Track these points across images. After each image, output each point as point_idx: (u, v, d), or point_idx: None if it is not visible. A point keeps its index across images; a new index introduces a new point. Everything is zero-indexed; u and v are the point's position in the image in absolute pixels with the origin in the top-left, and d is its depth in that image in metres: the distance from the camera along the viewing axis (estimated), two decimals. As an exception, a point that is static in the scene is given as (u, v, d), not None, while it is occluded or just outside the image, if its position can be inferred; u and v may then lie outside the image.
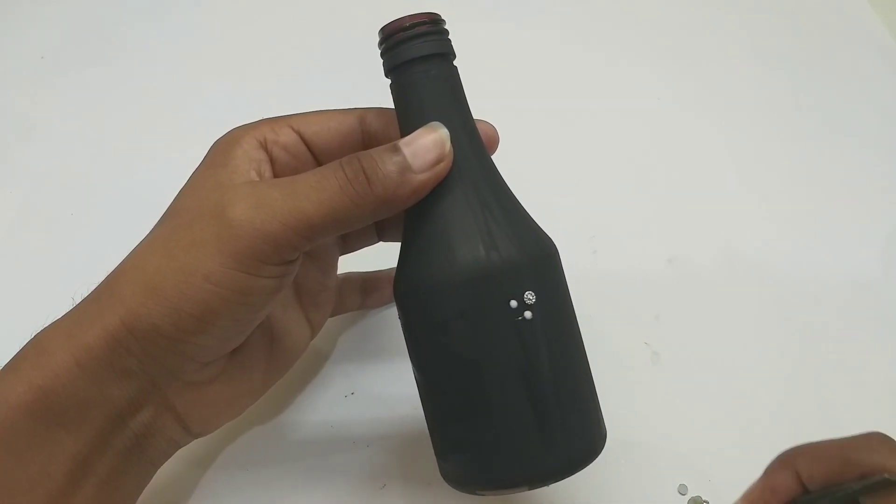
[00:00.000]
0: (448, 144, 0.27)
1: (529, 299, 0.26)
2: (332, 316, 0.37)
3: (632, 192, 0.47)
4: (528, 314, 0.26)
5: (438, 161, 0.26)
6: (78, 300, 0.27)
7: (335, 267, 0.36)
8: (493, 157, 0.31)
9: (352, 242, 0.36)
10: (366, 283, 0.39)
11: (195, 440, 0.31)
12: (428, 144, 0.26)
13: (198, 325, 0.26)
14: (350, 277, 0.39)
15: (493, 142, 0.31)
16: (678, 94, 0.53)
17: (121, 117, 0.51)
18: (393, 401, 0.38)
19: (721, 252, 0.45)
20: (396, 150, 0.26)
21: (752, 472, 0.25)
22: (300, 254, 0.27)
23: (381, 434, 0.37)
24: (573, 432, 0.27)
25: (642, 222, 0.46)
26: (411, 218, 0.28)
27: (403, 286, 0.28)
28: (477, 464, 0.27)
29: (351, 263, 0.37)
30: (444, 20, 0.28)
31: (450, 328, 0.26)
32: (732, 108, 0.52)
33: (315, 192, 0.26)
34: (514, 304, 0.26)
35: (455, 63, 0.29)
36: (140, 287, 0.26)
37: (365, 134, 0.30)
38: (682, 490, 0.36)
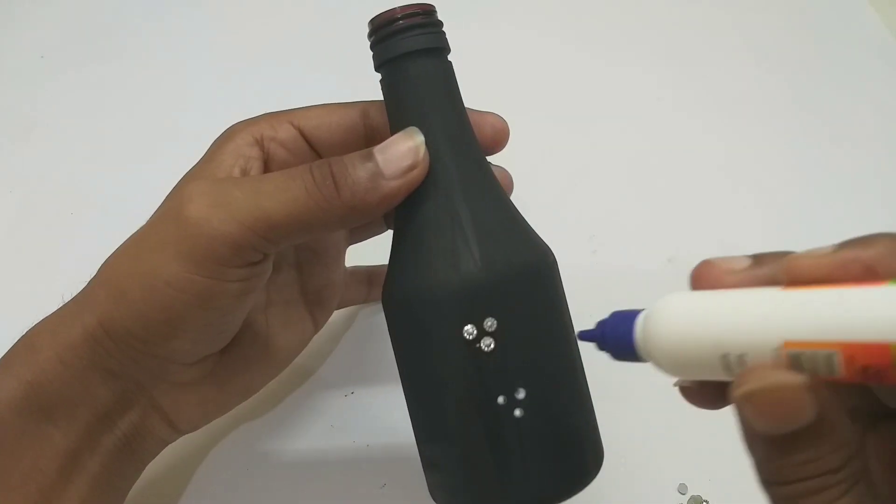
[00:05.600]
0: (423, 150, 0.25)
1: (489, 326, 0.24)
2: (337, 308, 0.37)
3: (632, 192, 0.47)
4: (486, 342, 0.24)
5: (412, 168, 0.25)
6: (68, 298, 0.27)
7: (341, 261, 0.35)
8: (497, 157, 0.30)
9: (359, 232, 0.35)
10: (372, 276, 0.39)
11: (194, 440, 0.31)
12: (402, 150, 0.25)
13: (167, 330, 0.25)
14: (357, 270, 0.38)
15: (503, 134, 0.29)
16: (678, 95, 0.53)
17: (121, 117, 0.51)
18: (393, 401, 0.38)
19: (721, 252, 0.44)
20: (370, 156, 0.25)
21: (751, 471, 0.24)
22: (264, 256, 0.26)
23: (381, 434, 0.37)
24: (536, 473, 0.24)
25: (642, 222, 0.46)
26: (395, 227, 0.27)
27: (383, 297, 0.27)
28: (442, 485, 0.26)
29: (357, 258, 0.37)
30: (436, 11, 0.26)
31: (415, 349, 0.25)
32: (732, 108, 0.52)
33: (280, 192, 0.24)
34: (470, 329, 0.24)
35: (449, 58, 0.27)
36: (111, 291, 0.26)
37: (367, 128, 0.29)
38: (682, 490, 0.36)
